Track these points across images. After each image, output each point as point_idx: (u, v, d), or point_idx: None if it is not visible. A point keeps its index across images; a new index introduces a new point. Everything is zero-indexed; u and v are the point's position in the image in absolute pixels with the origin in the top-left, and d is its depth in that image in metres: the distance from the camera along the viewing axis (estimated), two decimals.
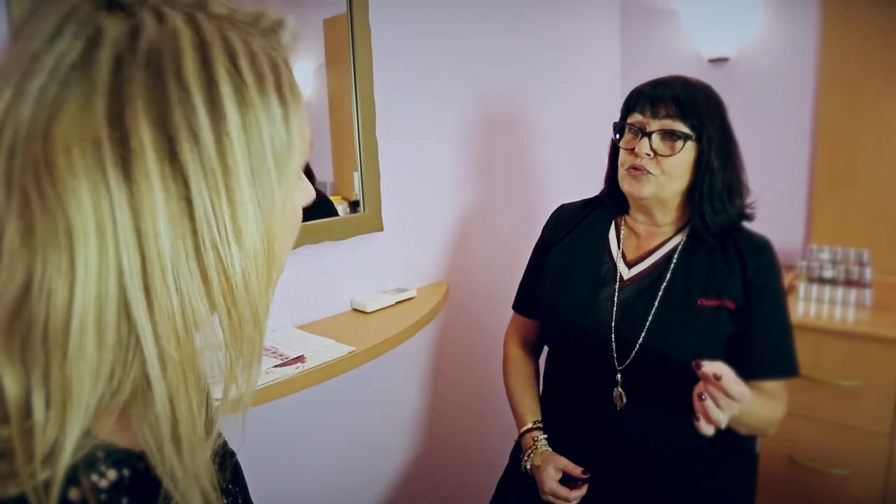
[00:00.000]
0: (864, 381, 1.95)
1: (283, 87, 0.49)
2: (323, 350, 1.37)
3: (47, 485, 0.41)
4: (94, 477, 0.46)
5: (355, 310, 1.67)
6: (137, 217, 0.41)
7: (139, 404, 0.46)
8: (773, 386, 1.29)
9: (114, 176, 0.41)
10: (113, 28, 0.42)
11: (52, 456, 0.41)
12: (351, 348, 1.38)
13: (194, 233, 0.44)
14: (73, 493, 0.44)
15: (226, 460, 0.67)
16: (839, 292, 2.14)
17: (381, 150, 1.69)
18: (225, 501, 0.62)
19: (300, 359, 1.32)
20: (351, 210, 1.67)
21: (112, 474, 0.47)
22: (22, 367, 0.41)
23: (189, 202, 0.43)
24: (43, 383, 0.41)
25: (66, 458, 0.41)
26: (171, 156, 0.42)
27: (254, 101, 0.46)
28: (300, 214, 0.60)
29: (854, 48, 2.26)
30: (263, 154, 0.47)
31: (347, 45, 1.58)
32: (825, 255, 2.26)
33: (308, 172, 1.53)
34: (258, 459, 1.48)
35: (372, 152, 1.66)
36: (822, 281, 2.21)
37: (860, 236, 2.30)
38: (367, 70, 1.62)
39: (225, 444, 0.69)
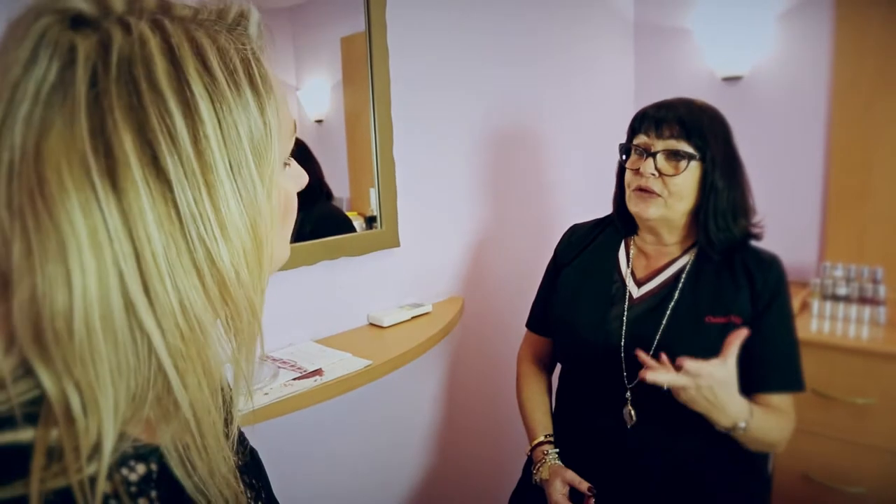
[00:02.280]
0: (879, 399, 1.94)
1: (254, 79, 0.51)
2: (340, 363, 1.39)
3: (91, 479, 0.44)
4: (125, 471, 0.48)
5: (372, 324, 1.70)
6: (128, 223, 0.44)
7: (166, 400, 0.49)
8: (780, 401, 1.30)
9: (101, 186, 0.43)
10: (84, 45, 0.44)
11: (95, 453, 0.44)
12: (368, 362, 1.40)
13: (183, 232, 0.46)
14: (106, 486, 0.46)
15: (247, 456, 0.69)
16: (853, 310, 2.14)
17: (397, 167, 1.72)
18: (249, 495, 0.65)
19: (318, 372, 1.34)
20: (367, 226, 1.69)
21: (141, 468, 0.50)
22: (53, 370, 0.44)
23: (174, 203, 0.45)
24: (73, 385, 0.44)
25: (107, 454, 0.44)
26: (153, 160, 0.44)
27: (227, 96, 0.48)
28: (293, 200, 0.61)
29: (867, 65, 2.28)
30: (241, 147, 0.49)
31: (365, 63, 1.62)
32: (839, 273, 2.26)
33: (315, 170, 1.57)
34: (275, 468, 1.50)
35: (389, 169, 1.69)
36: (835, 298, 2.21)
37: (874, 254, 2.30)
38: (384, 88, 1.65)
39: (246, 441, 0.71)
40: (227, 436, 0.56)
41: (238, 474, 0.58)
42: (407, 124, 1.74)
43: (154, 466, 0.51)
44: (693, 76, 2.70)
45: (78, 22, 0.45)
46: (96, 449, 0.44)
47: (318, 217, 1.58)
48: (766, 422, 1.24)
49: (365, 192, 1.70)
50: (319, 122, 1.63)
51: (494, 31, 2.05)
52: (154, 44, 0.45)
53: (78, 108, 0.43)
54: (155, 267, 0.45)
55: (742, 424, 1.19)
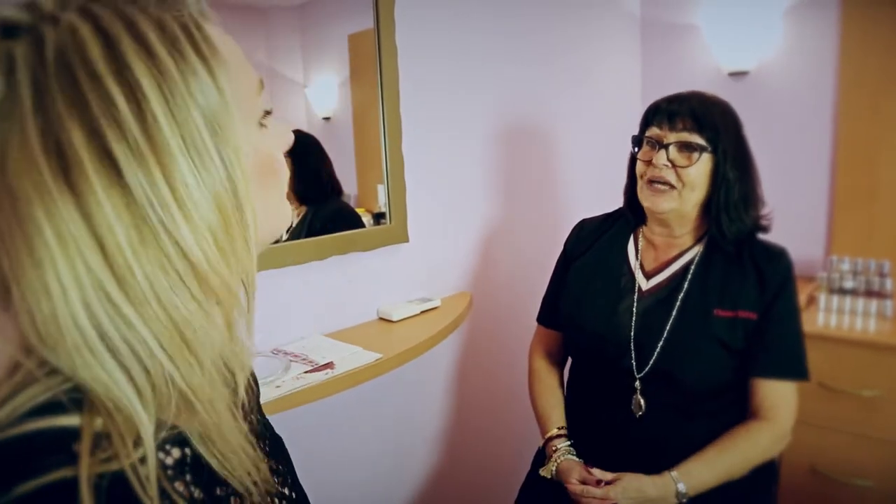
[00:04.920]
0: (886, 392, 1.95)
1: (199, 44, 0.48)
2: (351, 357, 1.41)
3: (141, 461, 0.45)
4: (161, 455, 0.49)
5: (381, 319, 1.71)
6: (88, 219, 0.43)
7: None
8: (782, 393, 1.31)
9: (56, 188, 0.42)
10: (20, 49, 0.44)
11: (138, 441, 0.45)
12: (378, 355, 1.42)
13: (143, 218, 0.45)
14: (146, 470, 0.47)
15: (274, 442, 0.71)
16: (860, 303, 2.15)
17: (405, 164, 1.73)
18: (276, 481, 0.66)
19: (329, 365, 1.36)
20: (374, 222, 1.71)
21: (176, 452, 0.50)
22: (69, 368, 0.45)
23: (129, 190, 0.44)
24: (91, 381, 0.45)
25: (149, 442, 0.45)
26: (103, 150, 0.43)
27: (170, 70, 0.46)
28: (276, 161, 0.59)
29: (874, 61, 2.28)
30: (193, 120, 0.47)
31: (373, 60, 1.63)
32: (846, 266, 2.26)
33: (325, 166, 1.58)
34: None
35: (398, 166, 1.70)
36: (842, 292, 2.22)
37: (881, 247, 2.30)
38: (393, 85, 1.67)
39: (271, 428, 0.72)
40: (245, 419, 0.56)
41: (254, 441, 0.59)
42: (415, 121, 1.75)
43: (188, 451, 0.51)
44: (700, 72, 2.71)
45: (12, 31, 0.45)
46: (139, 437, 0.45)
47: (329, 213, 1.60)
48: (719, 463, 1.29)
49: (372, 188, 1.71)
50: (327, 119, 1.64)
51: (502, 29, 2.06)
52: (85, 30, 0.44)
53: (26, 112, 0.43)
54: (122, 259, 0.44)
55: (681, 489, 1.25)
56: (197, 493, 0.51)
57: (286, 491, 0.68)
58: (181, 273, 0.47)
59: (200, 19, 0.50)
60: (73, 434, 0.44)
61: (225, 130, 0.49)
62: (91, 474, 0.42)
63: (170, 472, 0.49)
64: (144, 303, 0.45)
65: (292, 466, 0.73)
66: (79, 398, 0.45)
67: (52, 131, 0.42)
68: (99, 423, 0.45)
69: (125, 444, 0.44)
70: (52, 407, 0.45)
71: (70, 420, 0.44)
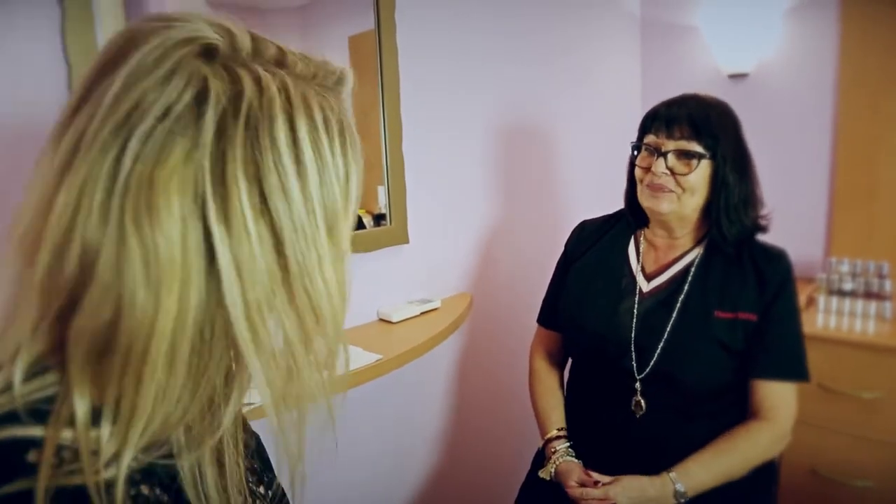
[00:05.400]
0: (886, 393, 1.95)
1: (346, 147, 0.54)
2: (351, 358, 1.40)
3: (109, 484, 0.45)
4: (133, 463, 0.49)
5: (381, 320, 1.71)
6: (240, 268, 0.46)
7: (198, 428, 0.52)
8: (781, 394, 1.32)
9: (217, 228, 0.45)
10: (217, 85, 0.46)
11: (113, 461, 0.46)
12: (378, 356, 1.42)
13: (288, 282, 0.49)
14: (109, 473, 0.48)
15: (252, 441, 0.71)
16: (859, 304, 2.15)
17: (406, 165, 1.73)
18: (251, 479, 0.66)
19: None
20: (375, 223, 1.71)
21: (143, 458, 0.51)
22: (96, 386, 0.46)
23: (282, 254, 0.49)
24: (114, 404, 0.46)
25: (125, 464, 0.46)
26: (265, 211, 0.47)
27: (328, 161, 0.51)
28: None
29: (873, 61, 2.28)
30: (336, 208, 0.53)
31: (373, 62, 1.63)
32: (845, 268, 2.27)
33: None
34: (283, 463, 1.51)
35: (398, 167, 1.70)
36: (841, 293, 2.22)
37: (880, 249, 2.30)
38: (393, 87, 1.66)
39: (247, 425, 0.72)
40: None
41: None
42: (415, 121, 1.75)
43: (161, 460, 0.52)
44: (699, 73, 2.71)
45: (209, 54, 0.47)
46: (115, 457, 0.46)
47: None
48: (719, 463, 1.29)
49: (373, 189, 1.71)
50: None
51: (502, 29, 2.06)
52: (278, 104, 0.48)
53: (202, 147, 0.45)
54: (258, 313, 0.48)
55: (680, 489, 1.25)
56: (165, 499, 0.51)
57: (262, 490, 0.68)
58: (309, 330, 0.52)
59: (349, 119, 0.56)
60: (36, 444, 0.44)
61: (347, 222, 0.56)
62: (51, 486, 0.42)
63: (136, 475, 0.50)
64: (267, 351, 0.49)
65: (269, 464, 0.73)
66: (44, 410, 0.46)
67: (224, 177, 0.45)
68: (68, 435, 0.45)
69: (94, 463, 0.45)
70: (10, 418, 0.45)
71: (33, 431, 0.45)
